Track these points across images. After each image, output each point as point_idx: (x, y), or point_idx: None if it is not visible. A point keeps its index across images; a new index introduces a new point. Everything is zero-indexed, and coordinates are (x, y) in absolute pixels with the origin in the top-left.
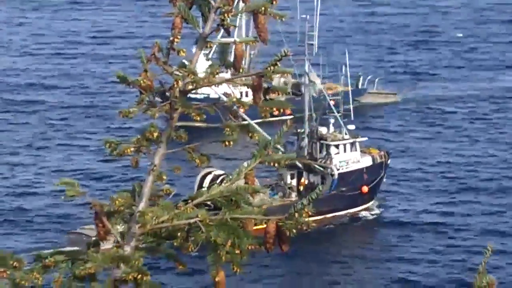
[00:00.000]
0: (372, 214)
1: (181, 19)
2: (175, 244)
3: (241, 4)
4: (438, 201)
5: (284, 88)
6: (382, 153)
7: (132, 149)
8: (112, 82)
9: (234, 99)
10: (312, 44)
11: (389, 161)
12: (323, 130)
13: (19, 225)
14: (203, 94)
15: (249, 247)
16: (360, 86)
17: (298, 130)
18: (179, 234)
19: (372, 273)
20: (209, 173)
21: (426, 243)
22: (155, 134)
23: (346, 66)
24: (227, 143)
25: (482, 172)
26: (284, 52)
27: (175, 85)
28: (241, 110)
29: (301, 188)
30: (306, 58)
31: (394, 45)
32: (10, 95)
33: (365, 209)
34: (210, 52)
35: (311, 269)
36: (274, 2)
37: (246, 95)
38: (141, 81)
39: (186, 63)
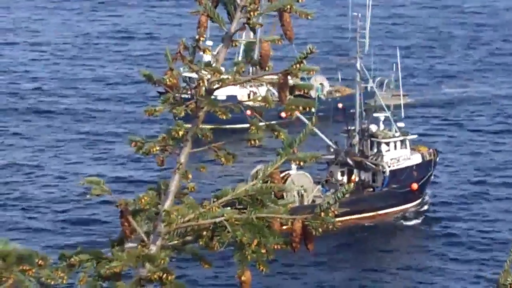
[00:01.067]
0: (420, 212)
1: (207, 18)
2: (200, 243)
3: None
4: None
5: (310, 85)
6: (431, 150)
7: (157, 147)
8: (136, 83)
9: (260, 98)
10: (363, 42)
11: (437, 159)
12: (373, 127)
13: (44, 223)
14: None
15: (275, 246)
16: (369, 88)
17: (349, 128)
18: (204, 233)
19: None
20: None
21: (469, 241)
22: (181, 133)
23: (397, 66)
24: (252, 141)
25: None
26: (310, 49)
27: (201, 84)
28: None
29: (352, 185)
30: (358, 56)
31: (413, 47)
32: (31, 97)
33: (413, 207)
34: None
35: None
36: (299, 0)
37: (254, 96)
38: (167, 80)
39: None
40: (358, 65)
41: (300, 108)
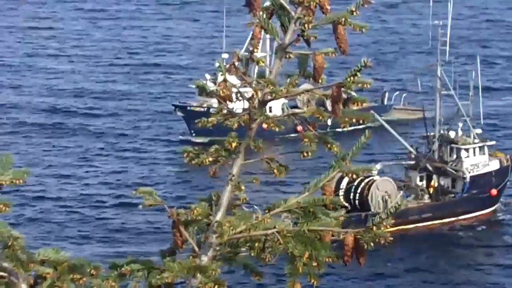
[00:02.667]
0: (497, 217)
1: (261, 29)
2: (251, 254)
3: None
4: None
5: (364, 98)
6: (508, 156)
7: (210, 159)
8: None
9: (313, 110)
10: (444, 50)
11: None
12: (452, 134)
13: (95, 234)
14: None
15: (327, 259)
16: (386, 102)
17: (429, 134)
18: (256, 244)
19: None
20: None
21: None
22: (234, 144)
23: (476, 74)
24: (305, 154)
25: None
26: (364, 62)
27: (254, 96)
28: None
29: (431, 190)
30: (439, 64)
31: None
32: (67, 103)
33: (491, 212)
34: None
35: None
36: (354, 13)
37: (270, 111)
38: (220, 91)
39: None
40: (438, 72)
41: (354, 120)
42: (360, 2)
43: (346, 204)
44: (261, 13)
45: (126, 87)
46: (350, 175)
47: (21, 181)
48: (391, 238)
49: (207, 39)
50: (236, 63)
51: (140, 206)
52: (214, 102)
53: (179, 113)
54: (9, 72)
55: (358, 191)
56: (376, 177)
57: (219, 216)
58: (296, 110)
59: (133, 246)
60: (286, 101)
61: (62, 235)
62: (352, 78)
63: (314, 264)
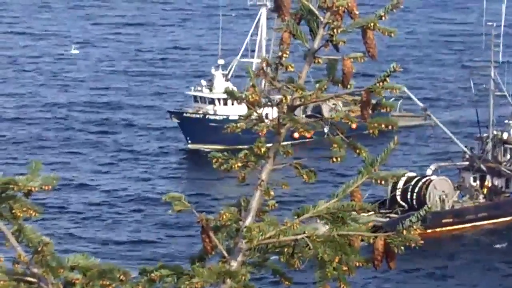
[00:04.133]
0: None
1: (290, 34)
2: (281, 259)
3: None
4: None
5: (393, 104)
6: None
7: (239, 164)
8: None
9: (343, 115)
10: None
11: None
12: (505, 134)
13: (123, 237)
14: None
15: (357, 264)
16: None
17: (482, 135)
18: (285, 250)
19: None
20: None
21: None
22: (263, 149)
23: None
24: (334, 159)
25: None
26: (393, 67)
27: (283, 101)
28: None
29: (485, 191)
30: (492, 65)
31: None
32: (92, 112)
33: None
34: (229, 73)
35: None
36: (383, 18)
37: (267, 117)
38: (249, 96)
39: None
40: (492, 74)
41: (383, 126)
42: (389, 7)
43: (404, 204)
44: (289, 18)
45: (120, 96)
46: (378, 181)
47: (50, 187)
48: (422, 242)
49: (203, 45)
50: (265, 68)
51: (170, 212)
52: (209, 109)
53: (175, 120)
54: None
55: (416, 190)
56: (433, 177)
57: (248, 221)
58: (324, 115)
59: (161, 252)
60: None
61: (91, 241)
62: (381, 83)
63: (344, 268)
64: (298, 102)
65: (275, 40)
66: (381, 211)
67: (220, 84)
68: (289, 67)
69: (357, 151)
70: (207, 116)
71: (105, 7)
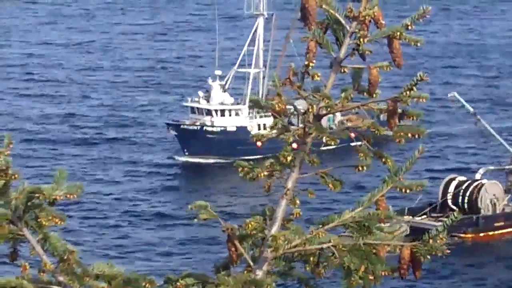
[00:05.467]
0: None
1: (316, 43)
2: (306, 268)
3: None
4: None
5: (420, 113)
6: None
7: (265, 173)
8: None
9: (369, 123)
10: None
11: None
12: None
13: (147, 246)
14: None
15: (383, 273)
16: (382, 118)
17: None
18: (311, 258)
19: None
20: (453, 179)
21: None
22: (289, 158)
23: None
24: (360, 168)
25: None
26: (420, 76)
27: (310, 110)
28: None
29: None
30: None
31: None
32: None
33: None
34: (226, 84)
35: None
36: (409, 27)
37: (264, 128)
38: (276, 105)
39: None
40: None
41: (409, 135)
42: (415, 17)
43: (455, 208)
44: (316, 27)
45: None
46: (403, 190)
47: (75, 195)
48: (448, 251)
49: (200, 56)
50: (292, 77)
51: (195, 220)
52: (206, 120)
53: (172, 132)
54: None
55: (467, 194)
56: (484, 181)
57: (274, 230)
58: (350, 124)
59: (186, 260)
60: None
61: (116, 249)
62: (408, 92)
63: (371, 277)
64: (324, 112)
65: (272, 50)
66: (432, 215)
67: (218, 95)
68: (316, 76)
69: (383, 160)
70: (204, 128)
71: (94, 18)
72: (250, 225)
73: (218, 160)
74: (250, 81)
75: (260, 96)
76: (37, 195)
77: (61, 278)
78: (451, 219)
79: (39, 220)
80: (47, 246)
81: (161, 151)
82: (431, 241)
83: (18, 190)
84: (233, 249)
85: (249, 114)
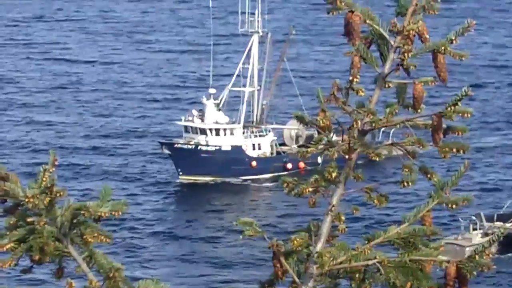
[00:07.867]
0: None
1: (360, 58)
2: (352, 285)
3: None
4: None
5: (465, 128)
6: None
7: (310, 189)
8: None
9: (414, 139)
10: None
11: None
12: None
13: (193, 261)
14: (213, 146)
15: None
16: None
17: None
18: (356, 275)
19: None
20: None
21: None
22: (334, 174)
23: None
24: (405, 183)
25: None
26: (465, 91)
27: (354, 125)
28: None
29: None
30: None
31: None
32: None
33: None
34: (221, 102)
35: None
36: (454, 42)
37: (259, 148)
38: (320, 121)
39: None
40: None
41: (454, 150)
42: (460, 30)
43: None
44: (360, 42)
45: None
46: (449, 205)
47: (120, 212)
48: (494, 267)
49: (194, 74)
50: (336, 93)
51: (241, 237)
52: (201, 139)
53: (166, 151)
54: None
55: None
56: None
57: (319, 247)
58: (396, 140)
59: (231, 277)
60: (275, 137)
61: (154, 265)
62: (453, 107)
63: None
64: (368, 127)
65: (267, 69)
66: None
67: (212, 114)
68: (360, 91)
69: (428, 175)
70: (198, 147)
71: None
72: (295, 242)
73: (214, 179)
74: (245, 99)
75: (255, 115)
76: (82, 212)
77: None
78: (497, 235)
79: (84, 237)
80: (93, 263)
81: (154, 170)
82: (477, 257)
83: (63, 207)
84: (278, 265)
85: (243, 133)
